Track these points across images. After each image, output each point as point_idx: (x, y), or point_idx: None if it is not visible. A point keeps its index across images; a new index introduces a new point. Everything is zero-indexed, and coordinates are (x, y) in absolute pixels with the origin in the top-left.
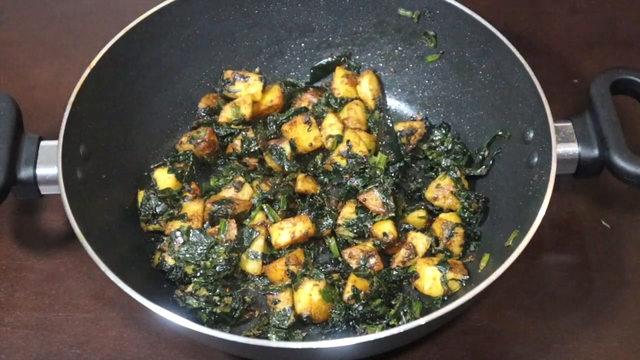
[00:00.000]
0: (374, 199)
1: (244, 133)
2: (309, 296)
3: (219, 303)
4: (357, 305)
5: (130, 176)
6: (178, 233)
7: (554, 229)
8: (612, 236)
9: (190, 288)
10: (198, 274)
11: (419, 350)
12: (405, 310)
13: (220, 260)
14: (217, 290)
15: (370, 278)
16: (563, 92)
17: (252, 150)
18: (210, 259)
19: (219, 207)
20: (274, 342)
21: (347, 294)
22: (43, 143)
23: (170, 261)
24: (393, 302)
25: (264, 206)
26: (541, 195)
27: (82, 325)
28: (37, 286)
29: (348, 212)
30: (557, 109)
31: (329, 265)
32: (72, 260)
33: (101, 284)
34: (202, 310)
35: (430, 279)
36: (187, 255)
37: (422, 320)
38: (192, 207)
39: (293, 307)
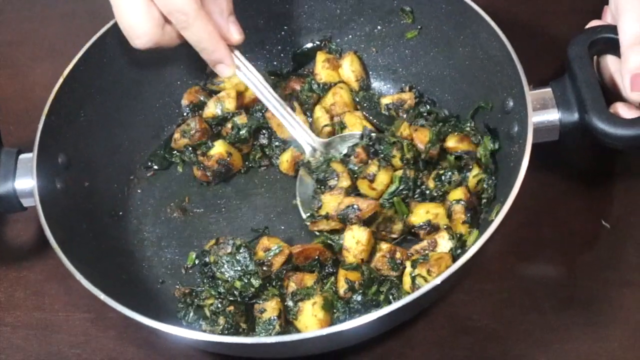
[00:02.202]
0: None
1: (235, 120)
2: (313, 317)
3: (213, 323)
4: (355, 297)
5: (116, 181)
6: (231, 242)
7: (554, 229)
8: (612, 236)
9: (204, 294)
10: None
11: (418, 350)
12: (393, 293)
13: (251, 289)
14: (224, 304)
15: (359, 269)
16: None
17: (242, 137)
18: (243, 283)
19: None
20: (273, 338)
21: (342, 288)
22: (22, 156)
23: (212, 258)
24: (381, 289)
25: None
26: (519, 164)
27: (82, 325)
28: (37, 286)
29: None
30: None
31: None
32: None
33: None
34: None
35: (405, 274)
36: (225, 266)
37: (399, 303)
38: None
39: (279, 317)
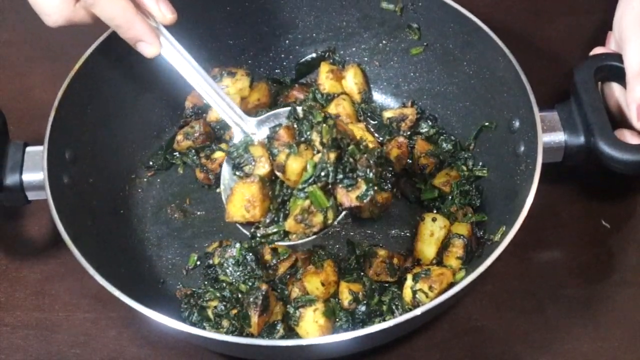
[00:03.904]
0: None
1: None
2: (315, 324)
3: (217, 325)
4: (360, 307)
5: (118, 179)
6: (237, 245)
7: (554, 229)
8: (612, 236)
9: (207, 296)
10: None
11: (419, 351)
12: (396, 303)
13: (254, 292)
14: (228, 307)
15: (360, 280)
16: (560, 93)
17: None
18: (248, 286)
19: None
20: (282, 341)
21: (346, 300)
22: (29, 149)
23: (216, 260)
24: (383, 299)
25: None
26: (528, 184)
27: (82, 325)
28: (37, 286)
29: None
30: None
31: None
32: (73, 260)
33: (101, 284)
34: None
35: (406, 287)
36: (230, 268)
37: (392, 322)
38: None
39: (283, 321)
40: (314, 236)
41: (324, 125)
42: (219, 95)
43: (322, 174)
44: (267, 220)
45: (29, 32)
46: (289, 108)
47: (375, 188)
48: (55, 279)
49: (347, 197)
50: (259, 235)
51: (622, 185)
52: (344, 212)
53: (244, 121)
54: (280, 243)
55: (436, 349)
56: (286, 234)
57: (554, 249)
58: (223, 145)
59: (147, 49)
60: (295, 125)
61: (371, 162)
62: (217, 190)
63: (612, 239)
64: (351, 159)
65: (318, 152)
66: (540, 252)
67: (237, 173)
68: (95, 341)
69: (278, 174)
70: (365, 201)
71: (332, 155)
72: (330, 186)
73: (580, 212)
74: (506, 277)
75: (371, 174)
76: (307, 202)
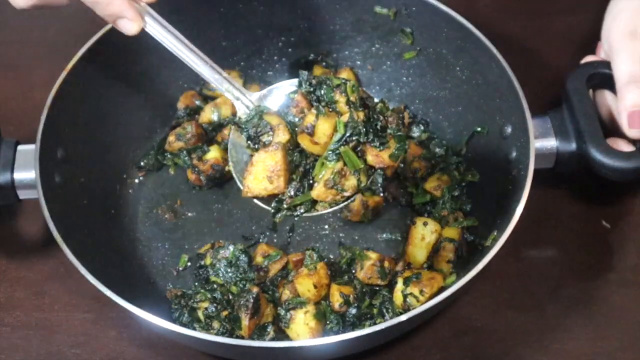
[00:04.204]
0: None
1: (232, 127)
2: (305, 326)
3: (207, 327)
4: (351, 310)
5: (110, 179)
6: (231, 247)
7: (554, 229)
8: (612, 236)
9: (198, 297)
10: (214, 287)
11: (419, 351)
12: (387, 307)
13: (245, 294)
14: (218, 309)
15: (351, 283)
16: (552, 100)
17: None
18: (239, 288)
19: None
20: (273, 343)
21: (337, 302)
22: (20, 147)
23: (208, 260)
24: (373, 302)
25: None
26: (520, 190)
27: (82, 325)
28: (37, 286)
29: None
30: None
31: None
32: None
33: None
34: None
35: (397, 290)
36: (222, 269)
37: (382, 325)
38: None
39: (273, 323)
40: (343, 203)
41: (348, 84)
42: (216, 71)
43: (351, 133)
44: (292, 192)
45: (29, 32)
46: (292, 80)
47: (407, 146)
48: (55, 279)
49: (379, 157)
50: (284, 207)
51: (622, 185)
52: (370, 178)
53: (246, 96)
54: (307, 214)
55: (436, 349)
56: (313, 204)
57: (553, 248)
58: (215, 147)
59: (129, 26)
60: (312, 91)
61: (400, 120)
62: (208, 191)
63: (611, 239)
64: (381, 117)
65: (341, 114)
66: (540, 252)
67: (252, 145)
68: (95, 341)
69: (301, 142)
70: (397, 161)
71: (361, 114)
72: (360, 147)
73: (580, 212)
74: (506, 277)
75: (401, 132)
76: (339, 164)
